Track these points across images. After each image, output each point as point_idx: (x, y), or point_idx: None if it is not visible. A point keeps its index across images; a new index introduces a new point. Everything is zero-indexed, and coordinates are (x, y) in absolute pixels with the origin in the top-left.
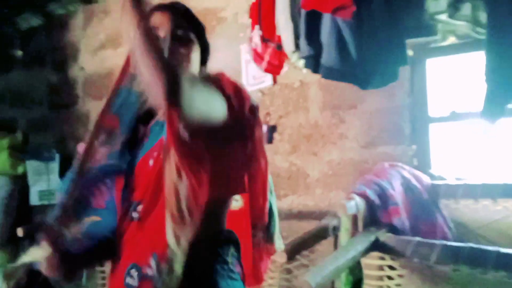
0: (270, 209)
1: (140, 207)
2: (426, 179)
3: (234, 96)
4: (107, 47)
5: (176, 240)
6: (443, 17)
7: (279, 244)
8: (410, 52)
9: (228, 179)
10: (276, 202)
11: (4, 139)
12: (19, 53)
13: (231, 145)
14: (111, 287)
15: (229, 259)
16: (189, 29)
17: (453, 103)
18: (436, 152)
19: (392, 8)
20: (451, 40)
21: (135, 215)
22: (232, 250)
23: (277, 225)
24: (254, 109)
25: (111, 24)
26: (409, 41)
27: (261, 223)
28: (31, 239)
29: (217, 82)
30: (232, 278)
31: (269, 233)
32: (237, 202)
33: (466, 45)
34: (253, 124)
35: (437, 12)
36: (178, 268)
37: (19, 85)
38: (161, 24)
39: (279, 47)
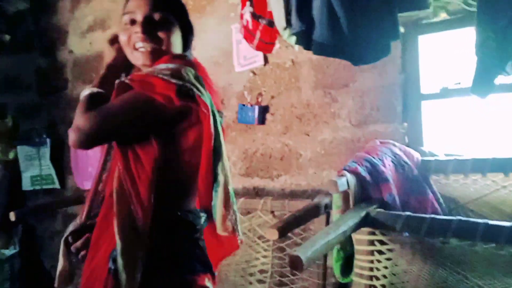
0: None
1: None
2: (417, 156)
3: (152, 90)
4: (96, 29)
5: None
6: None
7: (222, 228)
8: (401, 29)
9: (179, 162)
10: (269, 182)
11: None
12: (6, 37)
13: (177, 130)
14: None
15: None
16: (168, 11)
17: (444, 80)
18: (427, 129)
19: None
20: (443, 16)
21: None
22: (185, 231)
23: (220, 211)
24: (184, 94)
25: (99, 6)
26: (401, 18)
27: (204, 206)
28: (23, 224)
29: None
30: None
31: (213, 217)
32: None
33: (457, 20)
34: (186, 107)
35: None
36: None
37: (7, 70)
38: (138, 7)
39: (271, 23)
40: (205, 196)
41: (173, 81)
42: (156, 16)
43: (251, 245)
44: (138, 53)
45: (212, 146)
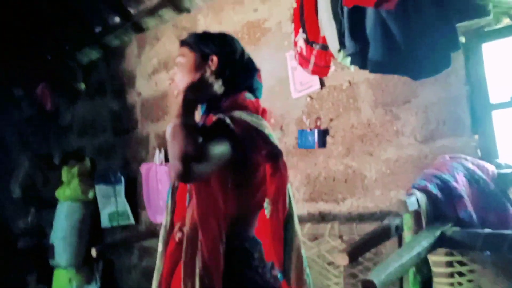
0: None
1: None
2: (492, 169)
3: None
4: (160, 70)
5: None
6: None
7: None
8: (462, 39)
9: (248, 200)
10: (335, 206)
11: (74, 167)
12: (82, 85)
13: (253, 172)
14: None
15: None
16: (184, 54)
17: None
18: (501, 140)
19: None
20: (506, 21)
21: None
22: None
23: (294, 274)
24: (273, 156)
25: (162, 49)
26: (461, 27)
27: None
28: (103, 259)
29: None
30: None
31: (287, 278)
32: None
33: None
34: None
35: None
36: None
37: (84, 115)
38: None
39: (325, 47)
40: (277, 257)
41: (268, 143)
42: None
43: (321, 272)
44: None
45: (287, 202)
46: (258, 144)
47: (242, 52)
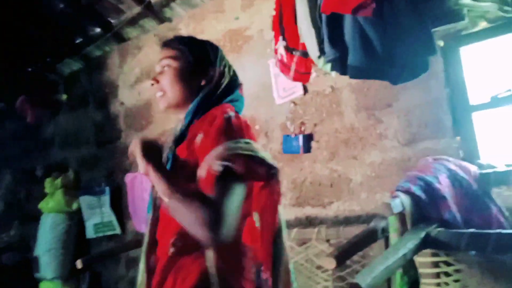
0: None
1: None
2: (474, 169)
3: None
4: (143, 80)
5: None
6: (468, 0)
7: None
8: (441, 43)
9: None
10: (321, 210)
11: (57, 179)
12: (64, 97)
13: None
14: None
15: None
16: (171, 57)
17: (494, 88)
18: (482, 141)
19: None
20: (483, 25)
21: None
22: None
23: (283, 280)
24: (271, 177)
25: (145, 58)
26: (439, 31)
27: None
28: (90, 271)
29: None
30: None
31: (274, 277)
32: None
33: (498, 28)
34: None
35: None
36: None
37: (67, 126)
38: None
39: (305, 54)
40: (267, 268)
41: (265, 165)
42: (161, 64)
43: (310, 276)
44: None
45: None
46: (258, 170)
47: (230, 65)
